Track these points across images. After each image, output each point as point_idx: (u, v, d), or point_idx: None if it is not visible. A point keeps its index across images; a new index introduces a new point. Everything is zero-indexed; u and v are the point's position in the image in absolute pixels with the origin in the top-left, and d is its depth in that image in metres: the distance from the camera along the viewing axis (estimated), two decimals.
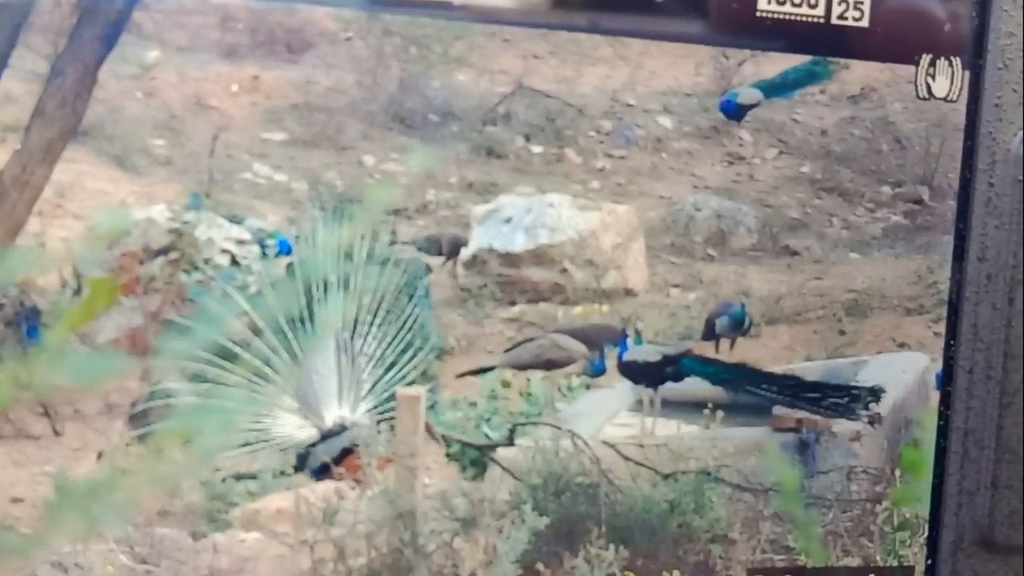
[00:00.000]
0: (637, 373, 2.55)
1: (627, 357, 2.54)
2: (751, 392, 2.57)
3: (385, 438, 2.35)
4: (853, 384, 2.56)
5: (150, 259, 2.23)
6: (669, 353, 2.57)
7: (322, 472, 2.34)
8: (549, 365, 2.51)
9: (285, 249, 2.27)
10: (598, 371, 2.53)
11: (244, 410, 2.29)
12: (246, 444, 2.29)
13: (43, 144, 2.16)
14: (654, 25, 2.39)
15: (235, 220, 2.26)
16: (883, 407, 2.59)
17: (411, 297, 2.40)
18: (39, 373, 2.15)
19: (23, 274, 2.16)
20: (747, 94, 2.58)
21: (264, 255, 2.30)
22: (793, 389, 2.57)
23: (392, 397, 2.37)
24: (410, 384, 2.36)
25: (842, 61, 2.55)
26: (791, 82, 2.65)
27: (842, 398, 2.56)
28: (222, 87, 2.30)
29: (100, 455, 2.18)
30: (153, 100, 2.25)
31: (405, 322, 2.37)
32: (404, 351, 2.38)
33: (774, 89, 2.64)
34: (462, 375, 2.41)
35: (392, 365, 2.38)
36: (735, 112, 2.60)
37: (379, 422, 2.34)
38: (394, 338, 2.37)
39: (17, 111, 2.15)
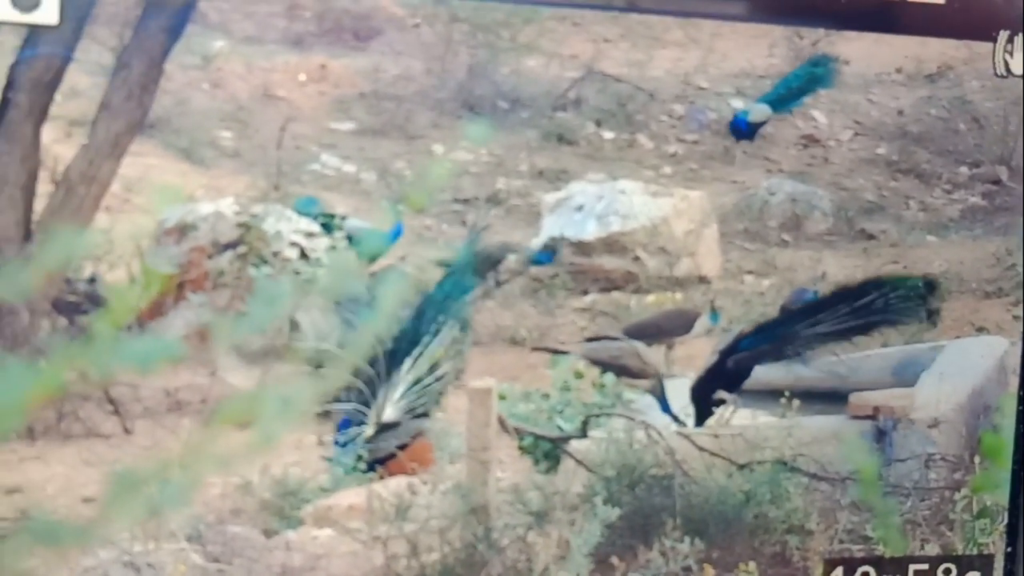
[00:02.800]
0: (709, 388, 2.51)
1: (692, 384, 2.51)
2: (811, 338, 2.53)
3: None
4: (907, 275, 2.51)
5: (218, 253, 2.21)
6: (722, 347, 2.54)
7: (384, 463, 2.32)
8: (623, 371, 2.48)
9: (397, 234, 2.23)
10: (663, 406, 2.50)
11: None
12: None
13: (110, 138, 2.14)
14: (726, 6, 2.35)
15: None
16: (935, 302, 2.54)
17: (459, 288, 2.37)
18: (99, 360, 2.12)
19: (91, 265, 2.14)
20: (757, 111, 2.54)
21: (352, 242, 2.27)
22: (845, 304, 2.51)
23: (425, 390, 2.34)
24: (439, 378, 2.33)
25: (842, 58, 2.51)
26: (795, 91, 2.61)
27: (897, 296, 2.50)
28: (289, 77, 2.27)
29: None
30: (220, 91, 2.22)
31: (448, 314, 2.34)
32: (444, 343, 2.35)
33: (781, 101, 2.61)
34: (537, 349, 2.38)
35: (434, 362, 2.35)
36: (747, 131, 2.56)
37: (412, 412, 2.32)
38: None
39: (83, 105, 2.13)
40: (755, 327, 2.53)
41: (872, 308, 2.55)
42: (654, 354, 2.54)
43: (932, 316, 2.56)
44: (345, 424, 2.30)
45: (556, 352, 2.39)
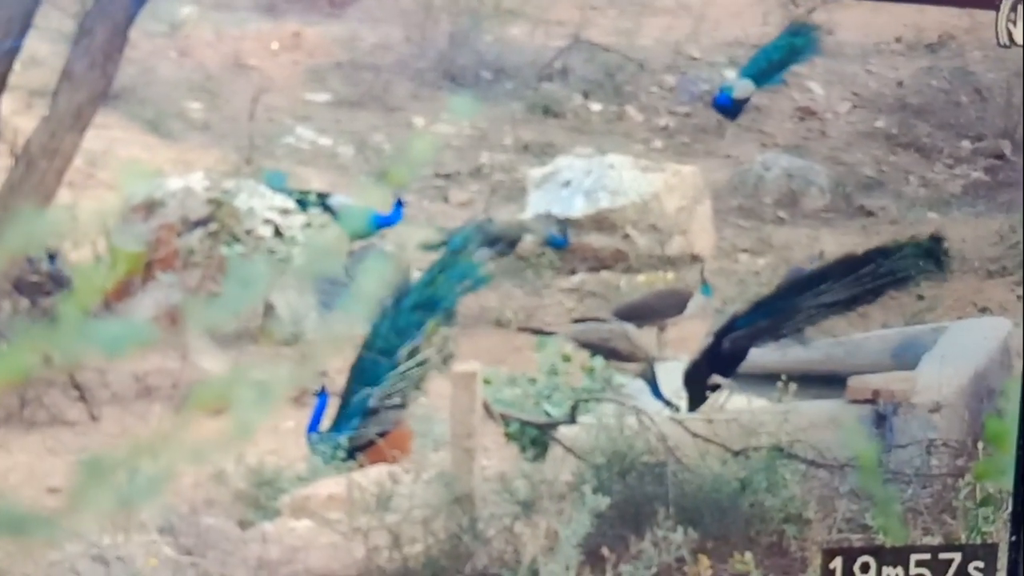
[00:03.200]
0: (703, 372, 2.45)
1: (685, 368, 2.44)
2: (812, 312, 2.47)
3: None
4: (908, 240, 2.45)
5: (188, 231, 2.12)
6: (717, 327, 2.47)
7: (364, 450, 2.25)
8: (612, 354, 2.41)
9: (397, 217, 2.14)
10: (655, 391, 2.44)
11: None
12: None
13: (72, 109, 2.04)
14: None
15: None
16: (942, 255, 2.47)
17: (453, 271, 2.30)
18: (64, 344, 2.03)
19: (54, 244, 2.05)
20: (741, 87, 2.48)
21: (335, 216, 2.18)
22: (849, 272, 2.46)
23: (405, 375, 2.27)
24: (420, 363, 2.25)
25: (825, 26, 2.45)
26: (777, 63, 2.54)
27: (902, 256, 2.44)
28: (261, 45, 2.18)
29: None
30: (188, 60, 2.13)
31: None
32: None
33: (763, 76, 2.54)
34: (523, 329, 2.31)
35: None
36: (732, 108, 2.50)
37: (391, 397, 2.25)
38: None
39: (44, 74, 2.04)
40: (752, 305, 2.46)
41: (878, 273, 2.48)
42: (645, 336, 2.48)
43: (941, 266, 2.49)
44: (319, 412, 2.22)
45: (542, 333, 2.31)
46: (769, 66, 2.56)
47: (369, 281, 2.22)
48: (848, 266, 2.46)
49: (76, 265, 2.06)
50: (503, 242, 2.35)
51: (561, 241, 2.46)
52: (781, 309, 2.46)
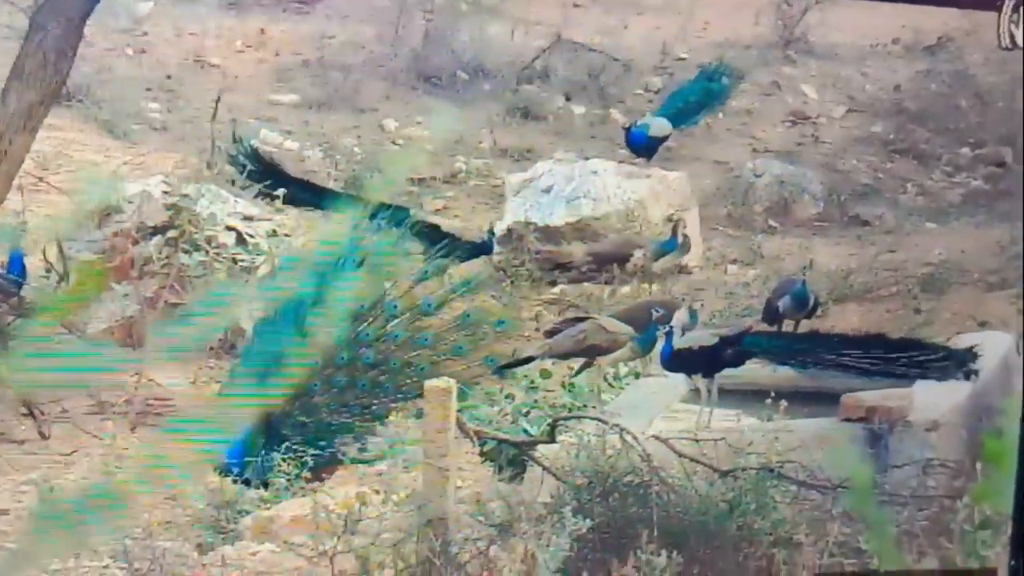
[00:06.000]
0: (691, 362, 2.38)
1: (678, 344, 2.36)
2: (829, 363, 2.41)
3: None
4: (947, 344, 2.41)
5: (145, 238, 2.03)
6: (727, 334, 2.40)
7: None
8: (593, 351, 2.34)
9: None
10: (646, 344, 2.36)
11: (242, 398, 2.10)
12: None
13: (22, 109, 1.96)
14: None
15: None
16: (973, 366, 2.43)
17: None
18: (20, 367, 1.95)
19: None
20: (658, 125, 2.44)
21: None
22: (880, 350, 2.41)
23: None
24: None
25: (737, 73, 2.36)
26: (693, 105, 2.51)
27: (937, 358, 2.40)
28: (224, 43, 2.11)
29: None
30: (147, 58, 2.05)
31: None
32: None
33: (680, 117, 2.50)
34: (503, 367, 2.24)
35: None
36: (647, 146, 2.45)
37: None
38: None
39: None
40: (769, 333, 2.40)
41: (910, 363, 2.44)
42: (618, 323, 2.40)
43: (969, 376, 2.45)
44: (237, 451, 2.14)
45: (521, 363, 2.24)
46: (685, 107, 2.53)
47: (341, 300, 2.15)
48: (882, 346, 2.42)
49: (31, 280, 1.98)
50: (606, 261, 2.31)
51: (671, 244, 2.40)
52: (798, 351, 2.41)
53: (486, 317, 2.20)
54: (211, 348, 2.06)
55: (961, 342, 2.42)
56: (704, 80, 2.51)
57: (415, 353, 2.18)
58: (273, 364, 2.10)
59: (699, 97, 2.47)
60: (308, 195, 2.20)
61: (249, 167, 2.18)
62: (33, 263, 1.96)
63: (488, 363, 2.21)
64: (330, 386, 2.12)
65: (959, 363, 2.40)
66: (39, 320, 2.00)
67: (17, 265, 1.93)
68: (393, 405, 2.13)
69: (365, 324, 2.13)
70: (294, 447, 2.08)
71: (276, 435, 2.08)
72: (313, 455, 2.11)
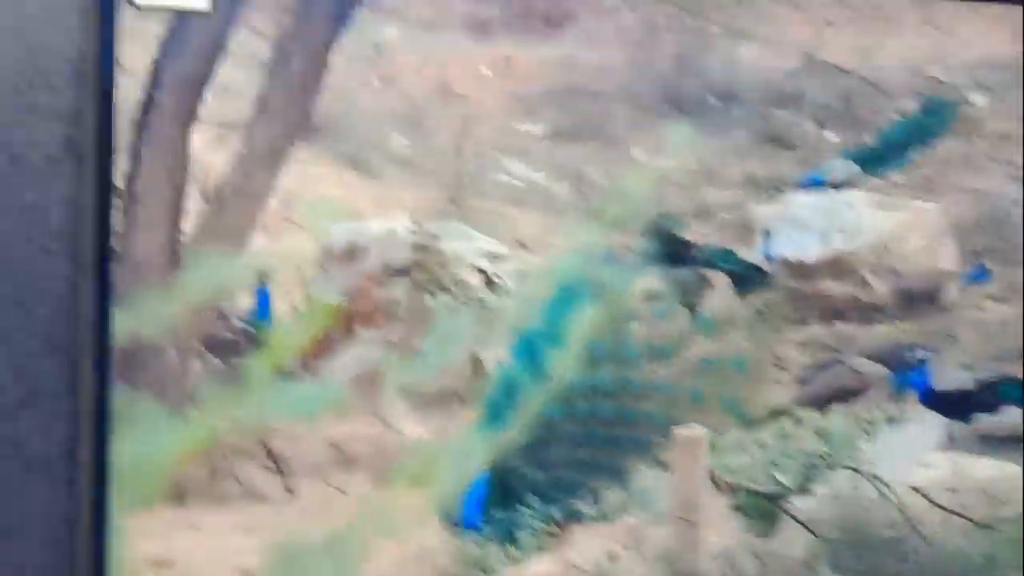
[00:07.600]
0: (946, 404, 2.25)
1: (937, 386, 2.23)
2: None
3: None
4: None
5: (390, 280, 1.93)
6: (984, 379, 2.27)
7: None
8: (845, 395, 2.22)
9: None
10: (901, 386, 2.23)
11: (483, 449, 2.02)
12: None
13: (268, 144, 1.87)
14: None
15: None
16: None
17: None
18: (254, 407, 1.87)
19: (240, 297, 1.88)
20: (840, 170, 2.22)
21: None
22: None
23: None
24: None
25: (951, 105, 2.17)
26: (896, 145, 2.24)
27: None
28: (470, 71, 1.99)
29: None
30: (391, 88, 1.94)
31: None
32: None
33: (876, 160, 2.23)
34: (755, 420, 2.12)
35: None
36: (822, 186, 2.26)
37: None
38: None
39: (237, 105, 1.86)
40: None
41: None
42: (868, 363, 2.27)
43: None
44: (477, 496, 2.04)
45: (776, 416, 2.12)
46: (885, 147, 2.26)
47: (579, 337, 2.04)
48: None
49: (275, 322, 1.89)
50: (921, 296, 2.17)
51: (982, 275, 2.24)
52: None
53: (731, 360, 2.09)
54: (454, 394, 1.95)
55: None
56: (914, 117, 2.35)
57: (655, 401, 2.07)
58: (513, 412, 2.00)
59: (904, 135, 2.33)
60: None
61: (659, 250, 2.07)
62: (278, 306, 1.87)
63: (735, 410, 2.10)
64: (567, 440, 2.01)
65: None
66: (277, 363, 1.92)
67: (264, 308, 1.84)
68: (633, 458, 2.02)
69: (602, 370, 2.02)
70: (537, 502, 1.98)
71: (514, 489, 1.98)
72: (558, 510, 2.01)
